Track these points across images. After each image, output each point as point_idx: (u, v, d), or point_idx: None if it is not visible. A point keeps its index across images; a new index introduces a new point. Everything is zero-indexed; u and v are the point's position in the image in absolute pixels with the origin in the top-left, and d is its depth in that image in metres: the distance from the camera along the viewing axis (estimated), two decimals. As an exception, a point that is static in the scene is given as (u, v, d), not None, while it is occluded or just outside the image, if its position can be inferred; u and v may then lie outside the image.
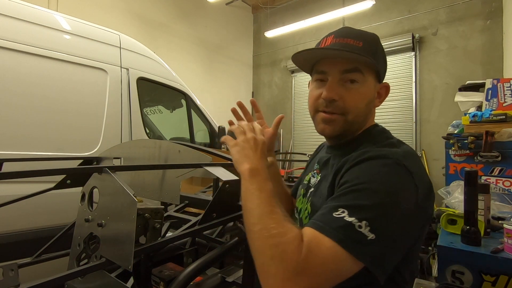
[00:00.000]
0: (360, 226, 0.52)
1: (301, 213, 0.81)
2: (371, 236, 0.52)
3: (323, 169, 0.79)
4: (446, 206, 1.52)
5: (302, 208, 0.82)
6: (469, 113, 1.97)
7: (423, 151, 4.95)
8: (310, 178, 0.84)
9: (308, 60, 0.74)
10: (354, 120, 0.70)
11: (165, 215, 0.98)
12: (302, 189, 0.86)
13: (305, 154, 4.84)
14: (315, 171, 0.82)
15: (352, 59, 0.67)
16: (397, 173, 0.59)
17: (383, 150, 0.63)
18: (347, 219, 0.53)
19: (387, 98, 0.78)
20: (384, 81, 0.76)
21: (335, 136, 0.74)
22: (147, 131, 2.25)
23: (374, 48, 0.69)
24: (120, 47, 2.10)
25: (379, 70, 0.70)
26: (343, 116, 0.70)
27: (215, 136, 2.75)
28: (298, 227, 0.56)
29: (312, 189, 0.80)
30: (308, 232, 0.54)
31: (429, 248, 1.66)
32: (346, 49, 0.67)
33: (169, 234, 0.94)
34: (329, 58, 0.70)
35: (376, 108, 0.77)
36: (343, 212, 0.54)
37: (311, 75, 0.78)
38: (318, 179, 0.79)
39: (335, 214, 0.54)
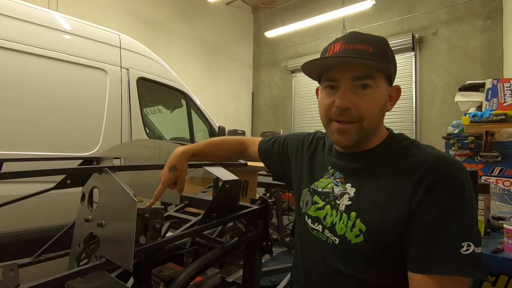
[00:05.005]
0: (478, 250, 0.56)
1: (337, 229, 0.71)
2: (480, 250, 0.57)
3: (353, 179, 0.73)
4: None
5: (334, 221, 0.73)
6: (469, 113, 1.97)
7: (423, 151, 4.95)
8: (332, 187, 0.76)
9: (316, 68, 0.72)
10: (369, 126, 0.68)
11: (165, 215, 0.98)
12: (317, 197, 0.79)
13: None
14: (338, 180, 0.75)
15: (364, 65, 0.65)
16: (469, 178, 0.62)
17: (448, 157, 0.65)
18: (477, 251, 0.56)
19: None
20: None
21: (351, 146, 0.72)
22: (147, 131, 2.25)
23: (385, 52, 0.68)
24: (120, 47, 2.10)
25: (391, 74, 0.69)
26: (358, 123, 0.68)
27: (215, 136, 2.75)
28: None
29: (346, 201, 0.72)
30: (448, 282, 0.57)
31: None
32: (358, 56, 0.65)
33: (169, 234, 0.94)
34: (341, 64, 0.68)
35: None
36: (468, 245, 0.56)
37: (319, 82, 0.75)
38: (353, 191, 0.71)
39: (463, 251, 0.55)
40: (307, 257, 0.81)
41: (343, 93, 0.67)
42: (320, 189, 0.79)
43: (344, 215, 0.70)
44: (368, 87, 0.66)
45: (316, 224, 0.77)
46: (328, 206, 0.76)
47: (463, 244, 0.55)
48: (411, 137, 0.74)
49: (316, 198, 0.79)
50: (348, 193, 0.72)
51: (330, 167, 0.79)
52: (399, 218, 0.62)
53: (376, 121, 0.70)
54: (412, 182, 0.62)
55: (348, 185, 0.73)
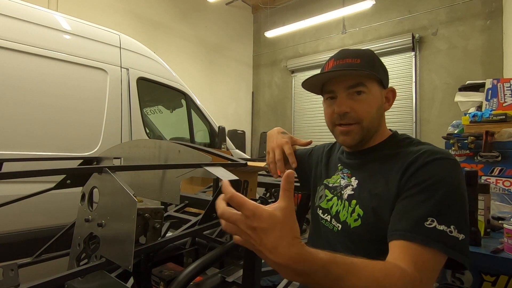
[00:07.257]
0: (451, 231, 0.60)
1: (340, 216, 0.81)
2: (461, 236, 0.60)
3: (357, 172, 0.83)
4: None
5: (339, 210, 0.82)
6: (469, 113, 1.96)
7: (423, 151, 4.96)
8: (340, 181, 0.87)
9: (316, 84, 0.85)
10: (369, 125, 0.79)
11: (165, 215, 0.98)
12: (327, 191, 0.90)
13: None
14: (345, 174, 0.87)
15: (354, 75, 0.77)
16: (460, 171, 0.67)
17: (441, 150, 0.71)
18: (439, 228, 0.60)
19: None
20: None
21: (356, 145, 0.82)
22: (147, 131, 2.25)
23: (371, 61, 0.79)
24: (120, 47, 2.10)
25: (381, 79, 0.79)
26: (359, 124, 0.78)
27: (215, 136, 2.75)
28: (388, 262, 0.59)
29: (349, 191, 0.81)
30: (412, 248, 0.59)
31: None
32: (346, 68, 0.77)
33: (169, 234, 0.94)
34: (335, 78, 0.80)
35: None
36: (432, 221, 0.60)
37: (322, 95, 0.88)
38: (356, 182, 0.81)
39: (427, 225, 0.60)
40: (316, 246, 0.84)
41: (340, 101, 0.79)
42: (331, 184, 0.90)
43: (346, 203, 0.80)
44: (362, 92, 0.77)
45: (326, 214, 0.87)
46: (335, 198, 0.86)
47: (428, 218, 0.61)
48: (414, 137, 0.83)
49: (327, 191, 0.90)
50: (352, 185, 0.82)
51: (339, 164, 0.91)
52: (391, 203, 0.69)
53: (376, 120, 0.80)
54: (402, 169, 0.70)
55: (353, 178, 0.83)
